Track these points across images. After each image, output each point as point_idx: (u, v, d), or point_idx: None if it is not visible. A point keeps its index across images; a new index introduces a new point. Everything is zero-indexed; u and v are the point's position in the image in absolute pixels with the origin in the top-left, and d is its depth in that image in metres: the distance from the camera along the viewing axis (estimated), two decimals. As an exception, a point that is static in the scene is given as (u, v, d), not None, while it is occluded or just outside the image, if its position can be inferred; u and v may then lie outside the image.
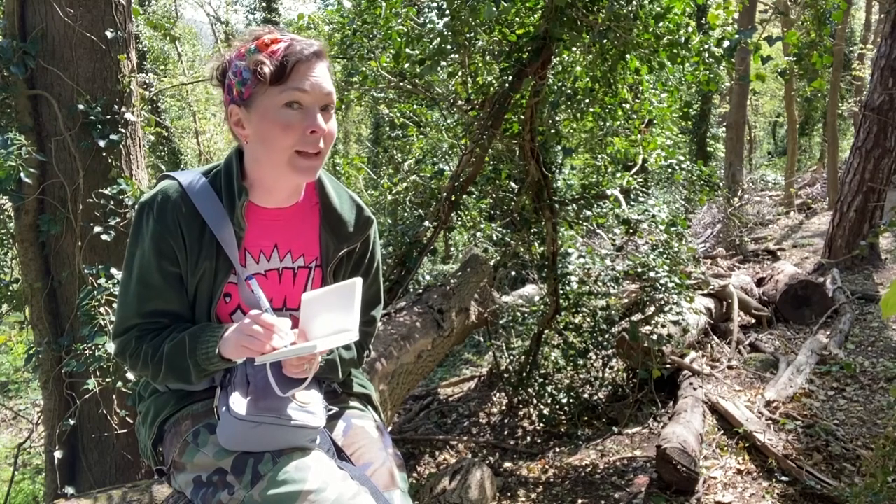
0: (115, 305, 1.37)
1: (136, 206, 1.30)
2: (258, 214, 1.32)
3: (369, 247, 1.44)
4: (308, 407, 1.24)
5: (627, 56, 3.69)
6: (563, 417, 4.49)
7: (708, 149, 14.32)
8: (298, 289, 1.36)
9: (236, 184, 1.28)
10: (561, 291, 4.54)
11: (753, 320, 6.01)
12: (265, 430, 1.18)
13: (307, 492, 1.15)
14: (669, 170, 4.85)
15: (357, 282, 1.22)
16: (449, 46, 3.67)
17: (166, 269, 1.27)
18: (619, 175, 4.96)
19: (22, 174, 2.95)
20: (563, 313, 4.61)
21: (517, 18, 3.84)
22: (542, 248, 4.64)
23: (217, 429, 1.22)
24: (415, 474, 4.11)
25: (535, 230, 4.65)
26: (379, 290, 1.51)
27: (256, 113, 1.20)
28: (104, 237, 3.16)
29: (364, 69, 4.68)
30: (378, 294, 1.51)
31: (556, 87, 4.24)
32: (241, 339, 1.17)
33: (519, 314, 4.90)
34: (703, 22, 9.93)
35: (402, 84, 4.71)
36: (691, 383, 4.35)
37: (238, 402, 1.20)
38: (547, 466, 3.95)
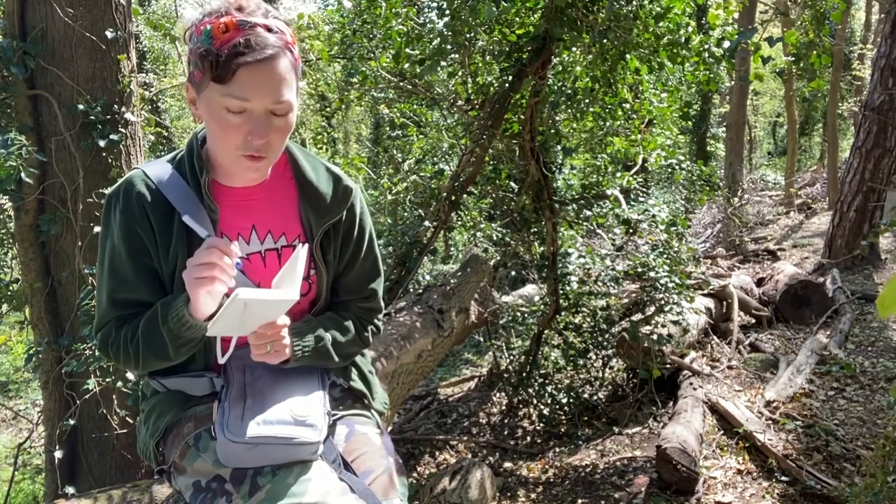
0: None
1: (104, 199, 1.26)
2: (227, 195, 1.27)
3: (355, 217, 1.37)
4: (307, 420, 1.20)
5: (627, 56, 3.69)
6: (563, 417, 4.48)
7: (708, 149, 14.32)
8: None
9: (197, 163, 1.24)
10: (561, 291, 4.53)
11: (753, 320, 6.01)
12: (263, 449, 1.16)
13: None
14: (669, 170, 4.85)
15: (300, 248, 1.18)
16: (449, 46, 3.67)
17: (137, 259, 1.23)
18: (619, 175, 4.96)
19: (22, 174, 2.95)
20: (563, 313, 4.61)
21: (517, 18, 3.84)
22: (542, 248, 4.64)
23: (215, 446, 1.19)
24: (415, 474, 4.11)
25: (535, 230, 4.65)
26: (375, 261, 1.44)
27: (203, 102, 1.14)
28: (104, 237, 3.15)
29: (364, 69, 4.68)
30: (375, 266, 1.44)
31: (556, 87, 4.24)
32: (190, 273, 1.11)
33: (519, 314, 4.90)
34: (703, 22, 9.93)
35: (402, 84, 4.71)
36: (691, 383, 4.35)
37: (234, 423, 1.17)
38: (547, 466, 3.95)
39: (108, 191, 1.25)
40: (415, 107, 5.40)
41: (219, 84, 1.09)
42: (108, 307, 1.27)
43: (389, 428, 4.61)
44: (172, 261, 1.24)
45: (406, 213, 5.41)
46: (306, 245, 1.21)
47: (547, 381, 4.62)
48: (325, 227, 1.32)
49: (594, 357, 4.71)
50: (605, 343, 4.60)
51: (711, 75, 3.89)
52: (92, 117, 3.14)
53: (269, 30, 1.10)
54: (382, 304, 1.50)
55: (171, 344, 1.20)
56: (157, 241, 1.23)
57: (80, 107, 3.11)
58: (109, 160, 3.22)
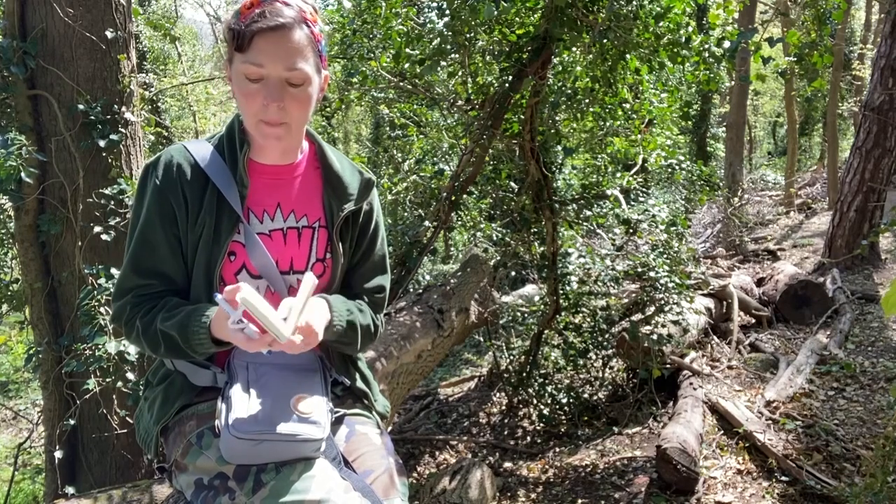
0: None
1: (142, 168, 1.33)
2: (260, 172, 1.34)
3: (373, 211, 1.46)
4: (311, 417, 1.21)
5: (627, 56, 3.68)
6: (563, 417, 4.48)
7: (708, 149, 14.32)
8: (304, 249, 1.36)
9: (237, 137, 1.31)
10: (561, 291, 4.53)
11: (753, 320, 6.01)
12: (267, 445, 1.17)
13: (309, 502, 1.14)
14: (669, 170, 4.85)
15: (308, 276, 1.23)
16: (449, 46, 3.67)
17: (166, 228, 1.28)
18: (619, 175, 4.96)
19: (22, 174, 2.95)
20: (563, 313, 4.61)
21: (517, 18, 3.84)
22: (542, 248, 4.64)
23: (219, 443, 1.20)
24: (415, 474, 4.11)
25: (535, 230, 4.65)
26: (384, 257, 1.51)
27: (232, 74, 1.23)
28: (104, 237, 3.16)
29: (364, 69, 4.68)
30: (383, 262, 1.51)
31: (556, 87, 4.24)
32: (236, 335, 1.15)
33: (519, 314, 4.90)
34: (703, 22, 9.94)
35: (402, 84, 4.70)
36: (691, 383, 4.35)
37: (238, 420, 1.17)
38: (547, 466, 3.95)
39: (147, 160, 1.33)
40: (415, 107, 5.39)
41: (240, 53, 1.19)
42: (128, 272, 1.30)
43: (389, 428, 4.62)
44: (199, 229, 1.28)
45: (406, 213, 5.41)
46: (311, 275, 1.24)
47: (547, 381, 4.62)
48: (346, 213, 1.38)
49: (594, 357, 4.71)
50: (605, 343, 4.60)
51: (711, 75, 3.89)
52: (92, 117, 3.14)
53: (287, 4, 1.19)
54: (386, 303, 1.53)
55: (193, 354, 1.26)
56: (187, 211, 1.28)
57: (80, 107, 3.11)
58: (109, 160, 3.22)
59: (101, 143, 3.16)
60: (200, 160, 1.29)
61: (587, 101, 4.11)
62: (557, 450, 4.16)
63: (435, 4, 4.60)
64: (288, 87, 1.20)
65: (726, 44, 3.58)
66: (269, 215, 1.34)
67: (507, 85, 3.78)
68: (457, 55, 3.97)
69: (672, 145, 5.04)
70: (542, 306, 4.77)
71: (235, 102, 1.28)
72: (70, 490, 3.14)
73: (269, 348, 1.15)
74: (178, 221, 1.28)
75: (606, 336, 4.60)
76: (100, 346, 2.90)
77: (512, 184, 4.85)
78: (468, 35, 3.66)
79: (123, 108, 3.27)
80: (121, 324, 1.31)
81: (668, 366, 4.60)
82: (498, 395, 5.22)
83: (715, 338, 5.47)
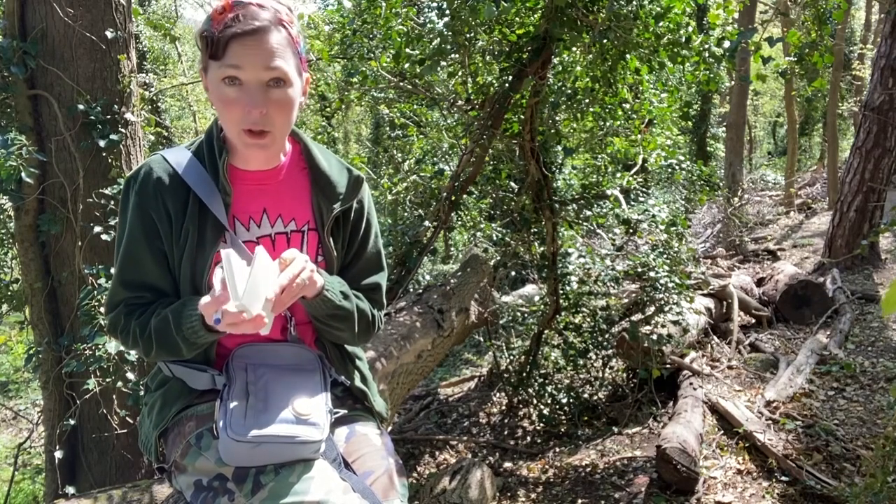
0: None
1: (124, 182, 1.30)
2: (242, 178, 1.31)
3: (364, 209, 1.42)
4: (310, 418, 1.20)
5: (627, 56, 3.68)
6: (563, 417, 4.49)
7: (708, 149, 14.31)
8: None
9: (216, 145, 1.28)
10: (561, 291, 4.54)
11: (753, 320, 6.01)
12: (265, 448, 1.16)
13: (308, 503, 1.14)
14: (669, 170, 4.86)
15: (257, 250, 1.15)
16: (449, 46, 3.67)
17: (150, 242, 1.26)
18: (619, 175, 4.96)
19: (22, 174, 2.95)
20: (563, 313, 4.61)
21: (517, 18, 3.84)
22: (542, 248, 4.64)
23: (218, 445, 1.20)
24: (415, 474, 4.12)
25: (535, 230, 4.65)
26: (379, 255, 1.47)
27: (209, 83, 1.20)
28: (104, 237, 3.16)
29: (364, 69, 4.68)
30: (379, 260, 1.47)
31: (556, 87, 4.24)
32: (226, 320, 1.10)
33: (519, 314, 4.90)
34: (703, 22, 9.93)
35: (402, 84, 4.70)
36: (691, 383, 4.35)
37: (237, 422, 1.16)
38: (547, 466, 3.95)
39: (126, 175, 1.30)
40: (415, 107, 5.40)
41: (215, 60, 1.15)
42: (117, 286, 1.30)
43: (389, 428, 4.62)
44: (184, 240, 1.26)
45: (406, 213, 5.40)
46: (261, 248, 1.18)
47: (547, 381, 4.62)
48: (336, 213, 1.35)
49: (594, 357, 4.71)
50: (605, 343, 4.60)
51: (711, 75, 3.89)
52: (92, 117, 3.14)
53: (262, 7, 1.15)
54: (385, 301, 1.51)
55: (186, 347, 1.23)
56: (171, 223, 1.26)
57: (80, 107, 3.11)
58: (109, 160, 3.22)
59: (101, 143, 3.16)
60: (180, 170, 1.26)
61: (587, 101, 4.11)
62: (557, 450, 4.16)
63: (435, 4, 4.60)
64: (269, 90, 1.16)
65: (726, 44, 3.58)
66: (255, 222, 1.31)
67: (507, 85, 3.78)
68: (457, 55, 3.97)
69: (672, 145, 5.04)
70: (542, 306, 4.77)
71: (216, 110, 1.24)
72: (70, 490, 3.14)
73: (217, 314, 1.09)
74: (162, 235, 1.26)
75: (606, 336, 4.60)
76: (100, 346, 2.90)
77: (512, 184, 4.86)
78: (468, 35, 3.66)
79: (123, 108, 3.27)
80: (117, 332, 1.30)
81: (668, 366, 4.60)
82: (498, 395, 5.22)
83: (715, 338, 5.47)
